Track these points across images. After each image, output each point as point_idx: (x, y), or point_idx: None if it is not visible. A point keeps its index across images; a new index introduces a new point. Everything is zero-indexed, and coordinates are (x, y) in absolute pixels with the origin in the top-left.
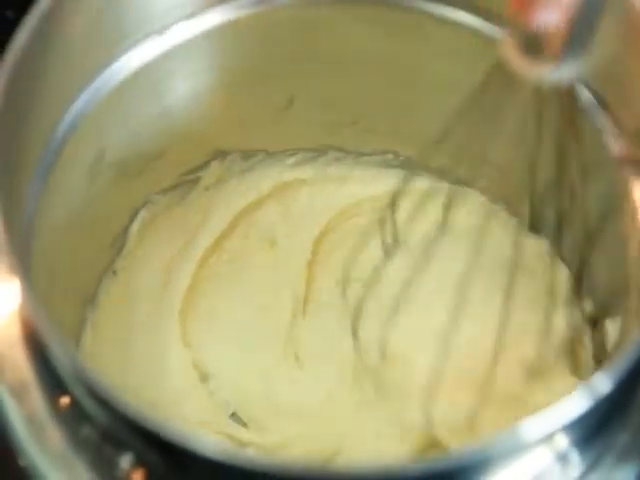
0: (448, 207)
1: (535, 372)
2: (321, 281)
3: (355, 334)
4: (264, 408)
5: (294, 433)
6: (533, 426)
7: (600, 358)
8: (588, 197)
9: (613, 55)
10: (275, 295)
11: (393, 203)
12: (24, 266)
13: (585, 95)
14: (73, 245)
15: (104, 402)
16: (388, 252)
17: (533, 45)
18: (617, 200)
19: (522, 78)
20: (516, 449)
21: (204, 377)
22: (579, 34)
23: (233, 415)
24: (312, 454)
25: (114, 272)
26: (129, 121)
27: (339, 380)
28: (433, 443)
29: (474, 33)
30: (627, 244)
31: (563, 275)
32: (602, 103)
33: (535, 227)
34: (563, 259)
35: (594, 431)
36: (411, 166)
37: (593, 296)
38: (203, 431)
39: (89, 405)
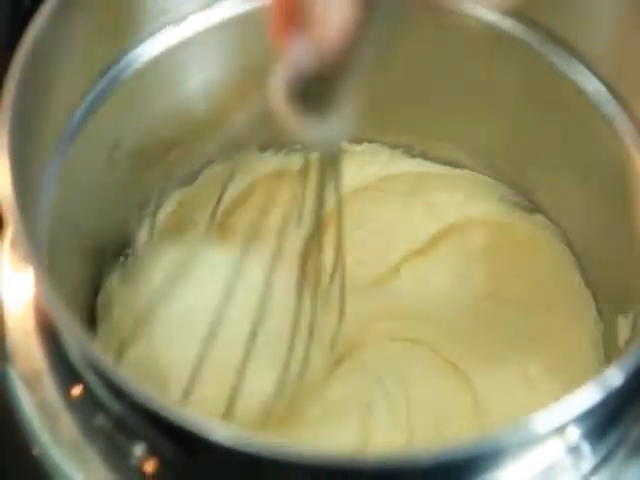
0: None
1: None
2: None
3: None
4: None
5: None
6: (545, 417)
7: (612, 355)
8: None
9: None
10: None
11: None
12: (38, 255)
13: (595, 85)
14: (88, 233)
15: (117, 391)
16: None
17: (298, 88)
18: (631, 194)
19: (288, 131)
20: (528, 440)
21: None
22: (346, 79)
23: None
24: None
25: (128, 261)
26: (145, 110)
27: None
28: None
29: (489, 26)
30: None
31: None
32: (614, 93)
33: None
34: (575, 254)
35: (606, 425)
36: (426, 159)
37: (605, 292)
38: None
39: (102, 394)
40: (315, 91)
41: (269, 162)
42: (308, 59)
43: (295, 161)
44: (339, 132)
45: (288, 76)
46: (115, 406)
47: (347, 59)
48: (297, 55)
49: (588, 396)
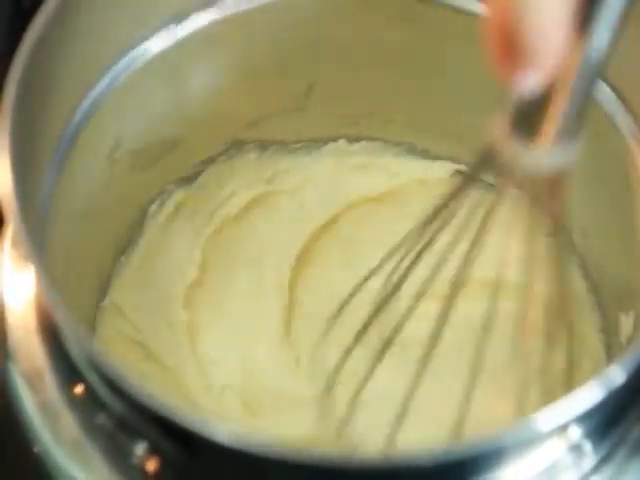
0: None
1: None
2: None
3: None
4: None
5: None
6: (547, 417)
7: (613, 353)
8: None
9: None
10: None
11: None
12: (39, 253)
13: (607, 94)
14: (89, 232)
15: (118, 390)
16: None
17: (525, 120)
18: (631, 190)
19: (511, 167)
20: (530, 439)
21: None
22: (576, 101)
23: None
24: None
25: (129, 260)
26: (146, 109)
27: None
28: None
29: None
30: None
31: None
32: (615, 90)
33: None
34: (576, 252)
35: (608, 423)
36: (428, 157)
37: (607, 290)
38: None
39: (103, 393)
40: (534, 119)
41: (269, 162)
42: (532, 87)
43: (295, 161)
44: (567, 158)
45: (514, 106)
46: (116, 405)
47: (568, 80)
48: (522, 84)
49: (590, 395)
